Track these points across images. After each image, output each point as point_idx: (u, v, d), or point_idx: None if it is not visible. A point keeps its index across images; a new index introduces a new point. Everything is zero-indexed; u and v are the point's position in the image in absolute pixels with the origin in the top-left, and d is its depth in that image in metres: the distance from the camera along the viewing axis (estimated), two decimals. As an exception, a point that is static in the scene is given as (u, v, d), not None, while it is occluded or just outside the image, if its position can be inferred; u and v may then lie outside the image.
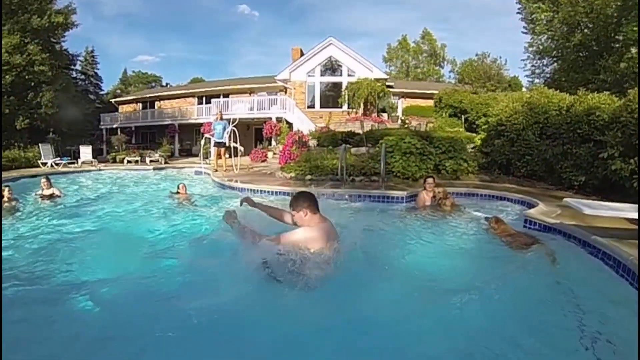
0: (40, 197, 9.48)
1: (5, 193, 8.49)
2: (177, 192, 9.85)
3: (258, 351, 3.01)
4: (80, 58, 38.92)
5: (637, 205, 4.87)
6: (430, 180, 8.08)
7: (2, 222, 7.27)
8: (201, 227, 6.83)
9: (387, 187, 9.83)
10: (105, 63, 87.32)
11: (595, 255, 4.72)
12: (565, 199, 7.18)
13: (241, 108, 26.65)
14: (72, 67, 35.72)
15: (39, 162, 18.23)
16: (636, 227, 5.02)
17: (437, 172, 11.61)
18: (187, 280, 4.21)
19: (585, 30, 20.47)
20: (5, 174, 13.88)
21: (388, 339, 3.21)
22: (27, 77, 22.26)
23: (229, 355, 3.01)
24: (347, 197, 8.86)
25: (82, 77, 43.31)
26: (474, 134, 15.82)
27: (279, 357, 3.03)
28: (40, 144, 19.45)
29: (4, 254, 5.49)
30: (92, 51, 44.84)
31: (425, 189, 8.07)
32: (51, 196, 9.54)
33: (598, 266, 4.55)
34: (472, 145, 14.20)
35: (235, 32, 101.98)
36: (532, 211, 6.78)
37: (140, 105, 36.97)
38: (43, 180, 9.85)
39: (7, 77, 20.64)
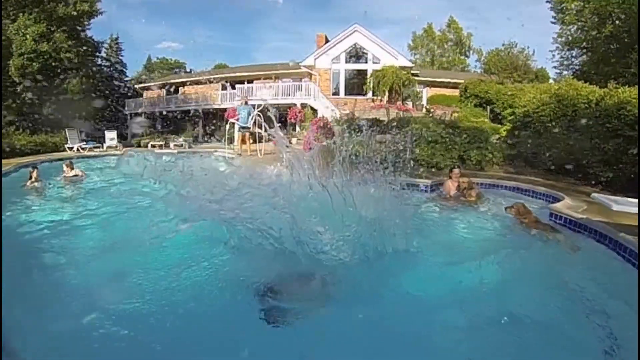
0: (65, 177, 10.09)
1: (34, 174, 9.07)
2: None
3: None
4: (105, 45, 39.30)
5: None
6: (456, 170, 8.20)
7: (30, 202, 7.65)
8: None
9: (412, 174, 9.80)
10: (129, 50, 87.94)
11: (622, 253, 4.65)
12: (593, 194, 7.12)
13: (265, 94, 26.61)
14: (97, 54, 36.15)
15: (66, 146, 18.45)
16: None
17: (461, 162, 11.50)
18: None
19: (617, 22, 19.93)
20: (32, 158, 14.28)
21: (413, 308, 3.60)
22: (53, 64, 22.66)
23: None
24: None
25: (107, 64, 43.59)
26: (499, 125, 15.65)
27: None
28: (66, 129, 19.67)
29: (27, 231, 5.70)
30: (117, 38, 45.12)
31: (450, 178, 8.14)
32: (75, 177, 10.17)
33: (624, 264, 4.51)
34: (497, 136, 14.04)
35: (258, 18, 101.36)
36: (557, 205, 6.70)
37: (164, 91, 37.12)
38: (64, 166, 10.41)
39: (34, 64, 21.06)
